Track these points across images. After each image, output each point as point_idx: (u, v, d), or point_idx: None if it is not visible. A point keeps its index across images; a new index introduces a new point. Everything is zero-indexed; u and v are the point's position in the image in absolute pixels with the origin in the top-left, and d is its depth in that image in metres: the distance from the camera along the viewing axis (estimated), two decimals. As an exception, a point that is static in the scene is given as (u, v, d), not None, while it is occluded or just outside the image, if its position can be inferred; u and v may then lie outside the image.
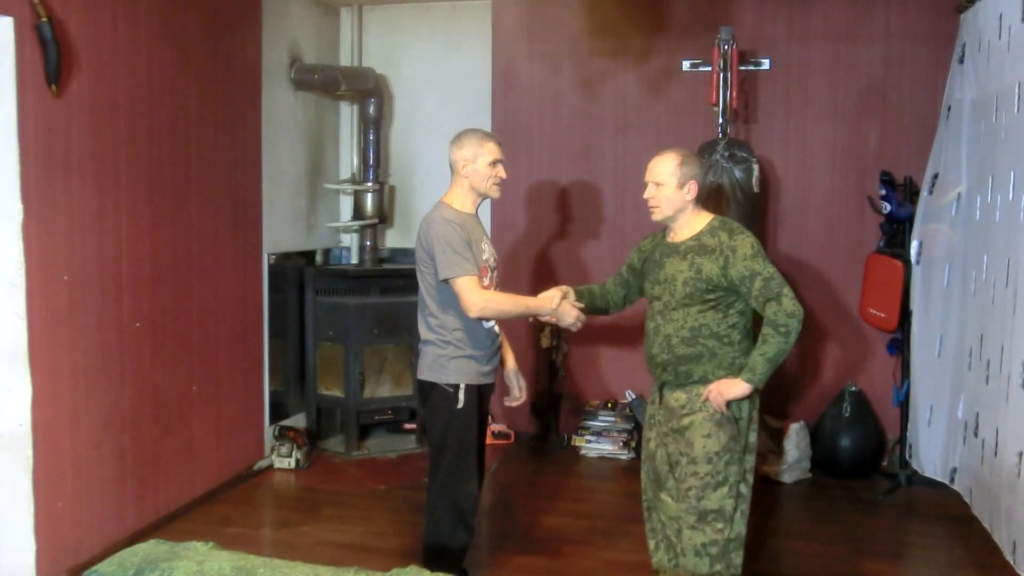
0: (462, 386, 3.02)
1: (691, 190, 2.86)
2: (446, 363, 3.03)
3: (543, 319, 3.13)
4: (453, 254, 2.92)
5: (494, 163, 3.06)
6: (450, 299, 2.99)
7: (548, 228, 5.40)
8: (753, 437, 2.94)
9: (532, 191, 5.38)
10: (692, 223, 2.92)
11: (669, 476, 2.95)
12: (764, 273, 2.76)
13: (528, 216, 5.44)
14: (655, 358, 2.95)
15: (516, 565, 3.60)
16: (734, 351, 2.86)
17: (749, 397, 2.87)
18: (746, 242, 2.81)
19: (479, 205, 3.14)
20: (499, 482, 4.76)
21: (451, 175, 3.12)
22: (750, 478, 2.94)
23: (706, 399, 2.85)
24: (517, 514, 4.26)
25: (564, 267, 5.37)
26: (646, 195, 2.94)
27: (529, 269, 5.42)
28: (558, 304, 3.05)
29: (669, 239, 2.99)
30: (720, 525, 2.86)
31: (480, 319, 3.00)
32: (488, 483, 4.80)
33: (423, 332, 3.10)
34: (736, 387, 2.81)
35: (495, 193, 3.11)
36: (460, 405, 3.02)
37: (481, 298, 2.92)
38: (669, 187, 2.87)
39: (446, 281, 2.95)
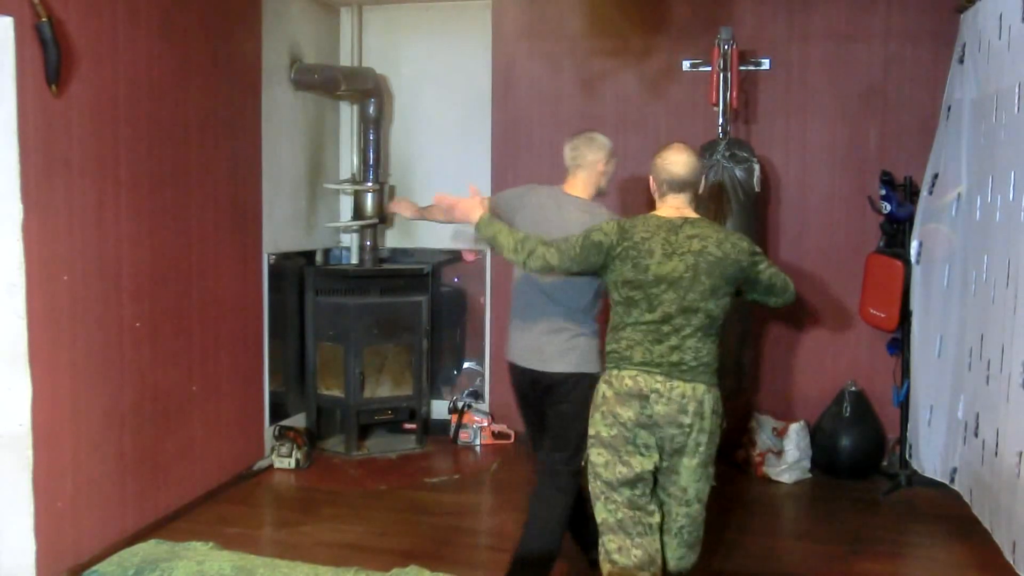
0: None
1: (651, 183, 2.94)
2: (596, 355, 3.20)
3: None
4: None
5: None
6: (599, 291, 3.19)
7: (548, 228, 5.39)
8: (592, 429, 2.85)
9: (532, 191, 5.37)
10: None
11: None
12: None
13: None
14: None
15: (516, 565, 3.59)
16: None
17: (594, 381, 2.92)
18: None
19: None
20: (499, 483, 4.76)
21: (570, 172, 3.42)
22: (600, 471, 2.85)
23: None
24: (517, 515, 4.25)
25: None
26: None
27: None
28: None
29: None
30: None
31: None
32: (488, 484, 4.81)
33: (570, 325, 3.23)
34: (473, 210, 3.04)
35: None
36: None
37: None
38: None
39: None
